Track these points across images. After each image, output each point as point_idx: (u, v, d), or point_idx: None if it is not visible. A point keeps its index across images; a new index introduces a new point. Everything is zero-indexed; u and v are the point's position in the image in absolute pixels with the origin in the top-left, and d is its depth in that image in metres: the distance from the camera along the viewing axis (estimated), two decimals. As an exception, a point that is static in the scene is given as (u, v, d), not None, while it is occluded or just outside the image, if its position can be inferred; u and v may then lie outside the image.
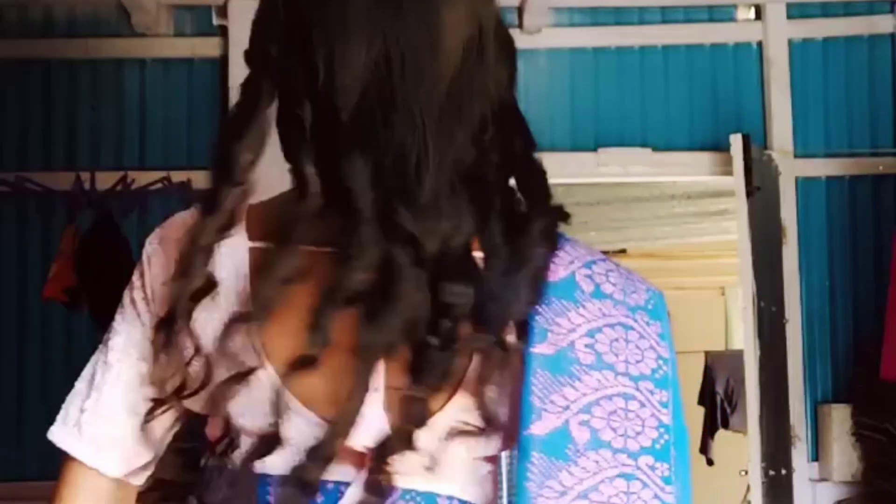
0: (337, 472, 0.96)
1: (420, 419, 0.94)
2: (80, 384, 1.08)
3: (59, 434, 1.06)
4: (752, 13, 4.17)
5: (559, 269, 1.00)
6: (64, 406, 1.08)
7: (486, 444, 1.00)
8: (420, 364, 0.93)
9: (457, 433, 0.97)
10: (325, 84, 0.93)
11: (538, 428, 0.94)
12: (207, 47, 4.00)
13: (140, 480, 1.06)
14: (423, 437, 0.94)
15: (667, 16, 4.15)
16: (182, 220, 1.07)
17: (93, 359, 1.09)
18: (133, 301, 1.07)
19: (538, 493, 0.93)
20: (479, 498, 1.03)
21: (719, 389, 7.38)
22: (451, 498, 1.00)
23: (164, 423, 1.06)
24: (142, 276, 1.06)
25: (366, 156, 0.91)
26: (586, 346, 0.97)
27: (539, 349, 0.96)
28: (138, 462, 1.06)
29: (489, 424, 0.98)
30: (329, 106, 0.92)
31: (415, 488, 0.98)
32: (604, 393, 0.96)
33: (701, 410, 7.53)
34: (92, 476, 1.04)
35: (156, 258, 1.06)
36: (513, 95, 1.01)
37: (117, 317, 1.08)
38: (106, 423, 1.04)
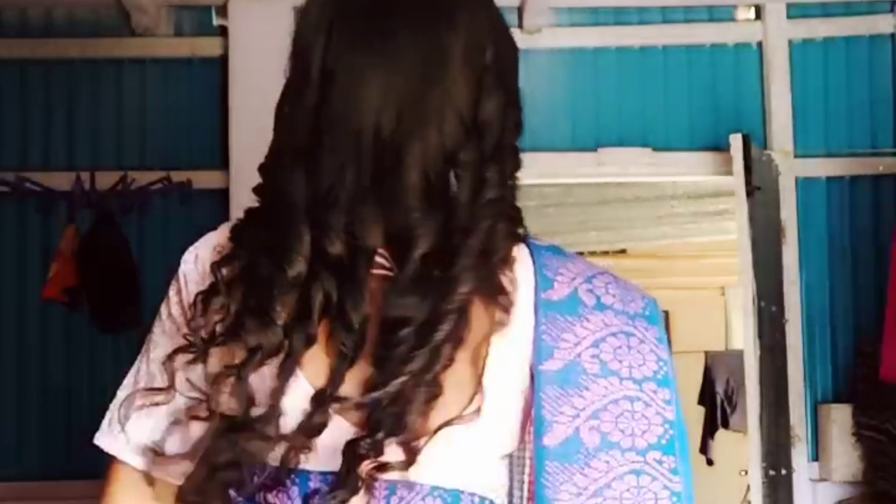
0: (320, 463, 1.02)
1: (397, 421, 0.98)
2: (122, 392, 1.13)
3: (105, 439, 1.12)
4: (752, 13, 4.17)
5: (563, 288, 1.06)
6: (108, 413, 1.14)
7: (490, 437, 1.05)
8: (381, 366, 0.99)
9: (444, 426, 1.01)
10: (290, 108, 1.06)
11: (550, 439, 1.02)
12: (207, 47, 4.00)
13: (180, 480, 1.10)
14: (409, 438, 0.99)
15: (667, 16, 4.15)
16: (214, 237, 1.12)
17: (132, 369, 1.14)
18: (171, 315, 1.12)
19: (555, 498, 1.01)
20: (500, 496, 1.07)
21: (719, 389, 7.39)
22: (472, 495, 1.04)
23: (202, 424, 1.08)
24: (178, 291, 1.11)
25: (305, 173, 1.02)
26: (592, 356, 1.04)
27: (546, 366, 1.04)
28: (178, 463, 1.10)
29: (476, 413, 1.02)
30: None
31: (441, 485, 1.03)
32: (611, 398, 1.04)
33: (701, 410, 7.53)
34: (136, 477, 1.11)
35: (191, 275, 1.11)
36: (486, 118, 1.04)
37: (155, 329, 1.13)
38: (147, 429, 1.10)
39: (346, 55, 1.03)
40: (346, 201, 1.00)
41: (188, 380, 1.07)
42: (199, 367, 1.06)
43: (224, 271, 1.04)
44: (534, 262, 1.07)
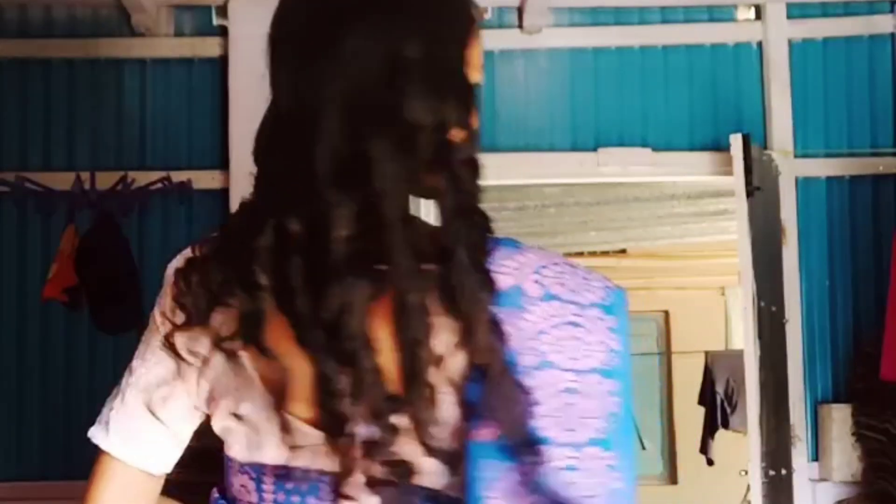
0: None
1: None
2: (115, 388, 1.19)
3: (93, 430, 1.18)
4: (752, 13, 4.17)
5: (507, 279, 1.03)
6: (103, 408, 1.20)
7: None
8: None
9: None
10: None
11: (485, 435, 1.00)
12: (207, 47, 4.00)
13: (163, 470, 1.18)
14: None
15: (667, 16, 4.15)
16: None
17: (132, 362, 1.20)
18: (153, 315, 1.17)
19: (487, 496, 0.99)
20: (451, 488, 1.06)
21: (719, 389, 7.39)
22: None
23: (184, 417, 1.16)
24: (163, 295, 1.16)
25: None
26: (530, 348, 1.02)
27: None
28: (160, 454, 1.17)
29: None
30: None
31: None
32: (548, 391, 1.01)
33: (701, 410, 7.53)
34: (119, 467, 1.16)
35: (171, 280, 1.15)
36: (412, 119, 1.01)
37: (147, 329, 1.19)
38: (129, 419, 1.16)
39: (288, 61, 1.05)
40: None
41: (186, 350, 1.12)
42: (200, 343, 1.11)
43: (204, 248, 1.11)
44: None
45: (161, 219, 3.95)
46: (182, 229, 3.90)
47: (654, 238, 7.17)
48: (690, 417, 7.86)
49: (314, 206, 0.99)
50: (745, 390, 3.63)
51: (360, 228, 0.99)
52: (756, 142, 3.86)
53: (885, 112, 4.10)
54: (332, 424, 1.01)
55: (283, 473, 1.08)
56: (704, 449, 7.53)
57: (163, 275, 1.16)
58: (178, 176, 3.92)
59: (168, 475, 1.20)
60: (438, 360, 1.01)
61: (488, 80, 4.07)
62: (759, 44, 4.12)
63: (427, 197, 1.03)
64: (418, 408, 1.00)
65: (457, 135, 1.03)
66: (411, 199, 1.03)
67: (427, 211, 1.05)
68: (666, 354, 9.06)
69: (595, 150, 4.06)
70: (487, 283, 1.02)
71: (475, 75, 1.07)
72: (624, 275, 8.21)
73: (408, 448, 1.02)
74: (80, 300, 3.80)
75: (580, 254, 7.52)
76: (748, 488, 4.34)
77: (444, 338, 1.01)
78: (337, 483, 1.04)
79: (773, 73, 4.08)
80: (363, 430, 1.01)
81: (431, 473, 1.04)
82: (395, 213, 0.99)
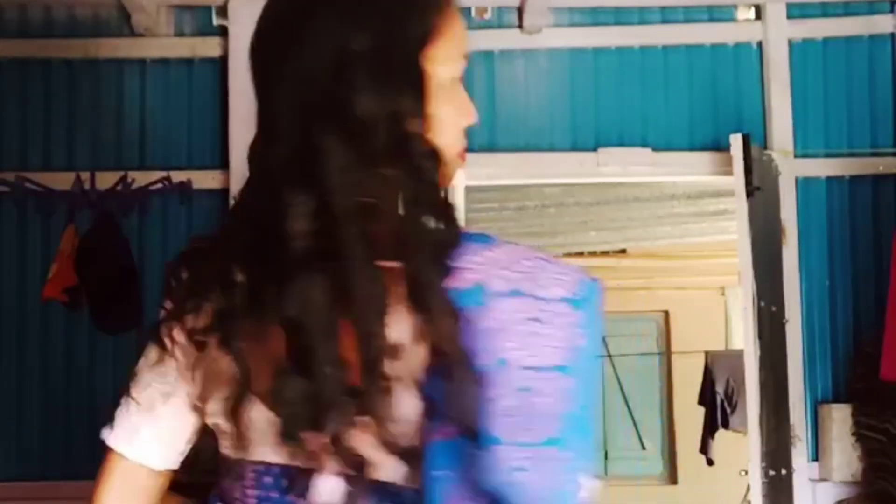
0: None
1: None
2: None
3: (104, 428, 1.20)
4: (752, 13, 4.17)
5: (472, 276, 1.02)
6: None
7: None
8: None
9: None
10: None
11: (441, 434, 1.00)
12: (207, 47, 4.00)
13: (166, 465, 1.18)
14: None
15: (667, 16, 4.14)
16: None
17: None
18: (158, 312, 1.19)
19: (444, 496, 0.99)
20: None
21: (719, 389, 7.39)
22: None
23: (184, 413, 1.16)
24: (164, 292, 1.18)
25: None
26: (489, 346, 1.00)
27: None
28: (162, 450, 1.18)
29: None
30: None
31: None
32: (505, 389, 1.00)
33: (701, 410, 7.53)
34: (122, 463, 1.17)
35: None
36: (391, 115, 1.02)
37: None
38: (131, 415, 1.17)
39: (255, 64, 1.13)
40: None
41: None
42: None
43: (199, 244, 1.14)
44: None
45: (161, 219, 3.95)
46: (182, 229, 3.90)
47: (654, 238, 7.18)
48: (690, 417, 7.87)
49: (274, 204, 1.01)
50: (745, 390, 3.63)
51: (317, 225, 1.00)
52: (756, 142, 3.86)
53: (885, 112, 4.10)
54: (289, 421, 1.02)
55: (261, 470, 1.09)
56: (704, 449, 7.53)
57: (163, 274, 1.17)
58: (178, 176, 3.91)
59: (179, 477, 1.21)
60: (395, 353, 1.01)
61: (488, 80, 4.07)
62: (759, 44, 4.12)
63: (385, 189, 1.02)
64: (374, 400, 1.00)
65: (413, 126, 1.03)
66: (376, 191, 1.02)
67: (395, 204, 1.04)
68: (666, 354, 9.07)
69: (595, 150, 4.06)
70: (447, 277, 1.01)
71: (441, 70, 1.06)
72: (624, 275, 8.22)
73: (367, 442, 1.02)
74: (80, 300, 3.80)
75: (580, 254, 7.53)
76: (748, 488, 4.34)
77: (402, 331, 1.01)
78: (294, 478, 1.05)
79: (773, 73, 4.07)
80: (325, 424, 1.01)
81: (390, 468, 1.04)
82: (347, 208, 1.00)
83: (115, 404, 1.20)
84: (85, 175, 3.89)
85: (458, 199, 3.95)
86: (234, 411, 1.06)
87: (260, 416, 1.06)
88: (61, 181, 3.91)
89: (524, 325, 1.01)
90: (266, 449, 1.08)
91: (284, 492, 1.07)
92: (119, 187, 3.90)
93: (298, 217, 1.00)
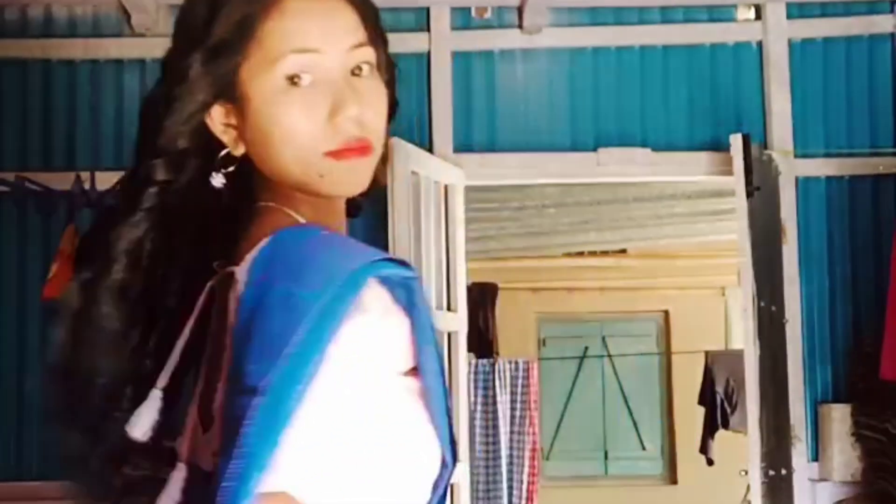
0: None
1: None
2: None
3: None
4: (752, 13, 4.17)
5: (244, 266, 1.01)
6: None
7: None
8: None
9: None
10: None
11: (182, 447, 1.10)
12: (207, 47, 3.99)
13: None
14: None
15: (667, 16, 4.15)
16: None
17: None
18: None
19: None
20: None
21: (719, 389, 7.38)
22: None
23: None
24: None
25: None
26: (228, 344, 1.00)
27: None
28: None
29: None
30: None
31: None
32: (227, 399, 0.96)
33: (701, 410, 7.52)
34: None
35: None
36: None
37: None
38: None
39: None
40: None
41: None
42: None
43: None
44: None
45: (161, 219, 3.94)
46: (182, 229, 3.89)
47: (654, 238, 7.17)
48: (690, 417, 7.86)
49: None
50: (745, 390, 3.63)
51: None
52: (756, 142, 3.86)
53: (885, 112, 4.10)
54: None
55: None
56: (704, 449, 7.52)
57: None
58: (177, 176, 3.91)
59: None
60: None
61: (488, 80, 4.07)
62: (759, 44, 4.12)
63: None
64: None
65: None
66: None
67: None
68: (666, 354, 9.05)
69: (594, 149, 4.06)
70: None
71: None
72: (624, 275, 8.22)
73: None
74: (80, 300, 3.79)
75: (580, 254, 7.53)
76: (748, 488, 4.33)
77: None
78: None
79: (773, 73, 4.07)
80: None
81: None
82: None
83: None
84: (85, 175, 3.89)
85: (458, 199, 3.95)
86: None
87: None
88: (61, 181, 3.90)
89: (259, 321, 0.96)
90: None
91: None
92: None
93: None
